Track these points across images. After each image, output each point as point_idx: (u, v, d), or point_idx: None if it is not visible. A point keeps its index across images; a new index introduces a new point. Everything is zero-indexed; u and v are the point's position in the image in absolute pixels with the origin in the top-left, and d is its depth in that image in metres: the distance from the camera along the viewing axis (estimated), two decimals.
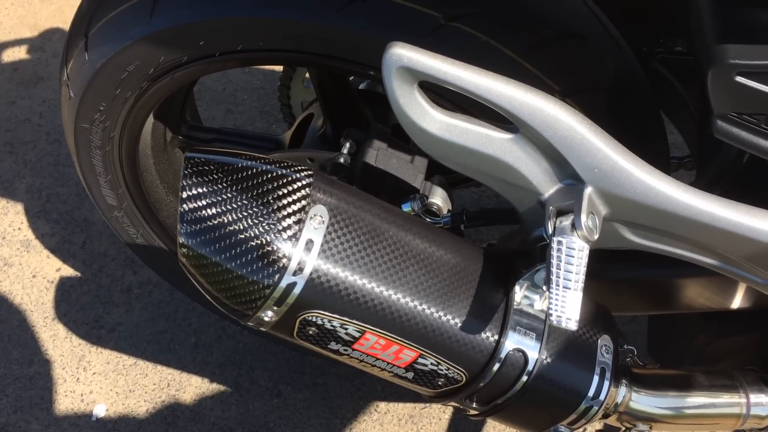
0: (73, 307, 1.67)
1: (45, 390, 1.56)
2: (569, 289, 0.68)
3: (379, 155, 0.97)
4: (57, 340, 1.62)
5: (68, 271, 1.72)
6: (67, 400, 1.55)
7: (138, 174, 1.16)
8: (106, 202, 1.20)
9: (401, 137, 1.01)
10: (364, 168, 0.96)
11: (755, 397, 0.94)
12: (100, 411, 1.53)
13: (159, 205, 1.23)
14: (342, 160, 0.99)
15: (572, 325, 0.67)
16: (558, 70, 0.84)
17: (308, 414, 1.48)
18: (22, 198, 1.83)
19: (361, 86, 1.20)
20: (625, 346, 0.92)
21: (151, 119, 1.11)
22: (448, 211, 0.99)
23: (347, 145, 1.01)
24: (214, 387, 1.54)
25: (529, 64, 0.83)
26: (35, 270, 1.73)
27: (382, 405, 1.47)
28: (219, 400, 1.52)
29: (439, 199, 0.98)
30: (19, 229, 1.79)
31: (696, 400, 0.92)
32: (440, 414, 1.45)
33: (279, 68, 2.00)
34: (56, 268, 1.73)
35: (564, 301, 0.68)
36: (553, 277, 0.69)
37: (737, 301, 0.93)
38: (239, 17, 0.85)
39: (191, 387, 1.54)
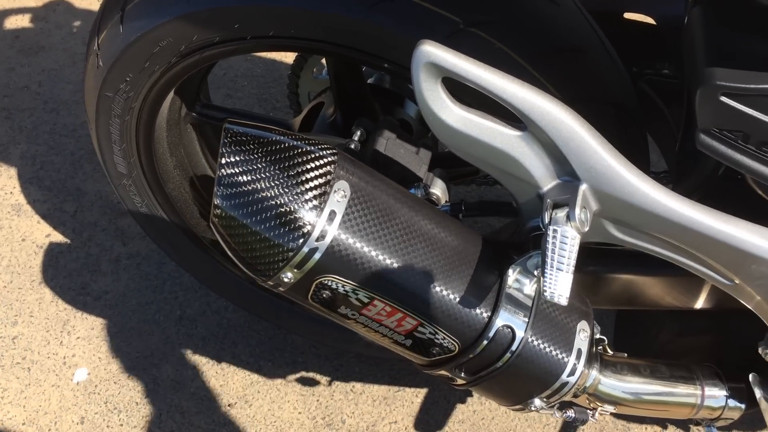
0: (61, 272, 1.71)
1: (27, 351, 1.60)
2: (561, 271, 0.77)
3: (389, 144, 1.05)
4: (43, 304, 1.66)
5: (58, 237, 1.76)
6: (49, 361, 1.59)
7: (151, 145, 1.22)
8: (117, 170, 1.26)
9: (407, 131, 1.09)
10: (373, 155, 1.04)
11: (709, 390, 1.04)
12: (81, 375, 1.57)
13: (166, 177, 1.29)
14: (352, 147, 1.07)
15: (563, 301, 0.76)
16: (561, 80, 0.93)
17: (285, 390, 1.55)
18: (15, 163, 1.87)
19: (370, 80, 1.28)
20: (597, 336, 1.02)
21: (171, 94, 1.17)
22: (446, 201, 1.07)
23: (358, 132, 1.08)
24: (196, 359, 1.59)
25: (536, 72, 0.92)
26: (25, 234, 1.76)
27: (358, 386, 1.55)
28: (200, 371, 1.58)
29: (438, 189, 1.07)
30: (11, 193, 1.82)
31: (657, 388, 1.02)
32: (413, 398, 1.53)
33: (281, 58, 2.07)
34: (46, 234, 1.76)
35: (557, 280, 0.76)
36: (548, 260, 0.78)
37: (700, 302, 1.03)
38: (276, 6, 0.92)
39: (174, 357, 1.59)
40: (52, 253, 1.74)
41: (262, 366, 1.58)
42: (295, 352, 1.60)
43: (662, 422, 1.47)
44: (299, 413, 1.52)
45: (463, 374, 0.91)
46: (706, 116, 0.77)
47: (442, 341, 0.87)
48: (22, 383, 1.55)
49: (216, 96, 1.99)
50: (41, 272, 1.71)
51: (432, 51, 0.77)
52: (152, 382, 1.56)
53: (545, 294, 0.76)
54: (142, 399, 1.54)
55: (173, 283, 1.69)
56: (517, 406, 0.95)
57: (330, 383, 1.56)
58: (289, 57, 2.06)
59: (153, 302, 1.67)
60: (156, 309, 1.66)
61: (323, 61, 1.44)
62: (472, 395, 1.53)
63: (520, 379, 0.91)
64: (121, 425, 1.50)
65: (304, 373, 1.57)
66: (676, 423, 1.47)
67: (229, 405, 1.53)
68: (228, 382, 1.56)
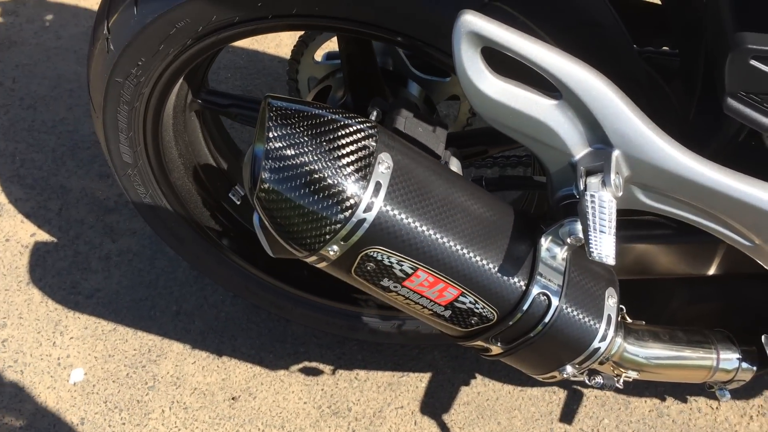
0: (49, 272, 1.66)
1: (19, 353, 1.55)
2: (605, 233, 0.79)
3: (407, 123, 1.05)
4: (32, 305, 1.62)
5: (44, 236, 1.71)
6: (42, 363, 1.54)
7: (158, 133, 1.20)
8: (122, 160, 1.23)
9: None
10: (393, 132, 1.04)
11: (724, 354, 1.08)
12: (78, 375, 1.54)
13: (171, 166, 1.27)
14: None
15: (611, 261, 0.78)
16: (581, 53, 0.96)
17: (289, 380, 1.54)
18: None
19: None
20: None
21: (180, 80, 1.16)
22: None
23: (374, 113, 1.09)
24: (196, 354, 1.57)
25: (558, 46, 0.94)
26: (8, 234, 1.71)
27: (362, 373, 1.55)
28: (200, 366, 1.56)
29: (455, 167, 1.08)
30: None
31: (676, 353, 1.06)
32: (417, 382, 1.54)
33: (263, 49, 2.06)
34: (31, 233, 1.72)
35: (601, 242, 0.79)
36: (590, 224, 0.80)
37: (713, 268, 1.07)
38: None
39: (172, 353, 1.57)
40: (38, 253, 1.69)
41: (264, 358, 1.57)
42: (296, 342, 1.59)
43: (661, 395, 1.51)
44: (305, 403, 1.51)
45: (499, 344, 0.92)
46: (735, 80, 0.80)
47: (481, 310, 0.88)
48: (15, 387, 1.50)
49: None
50: (28, 272, 1.66)
51: (474, 20, 0.78)
52: (152, 379, 1.53)
53: (592, 255, 0.78)
54: (143, 397, 1.51)
55: (167, 279, 1.67)
56: (549, 374, 0.97)
57: (333, 372, 1.55)
58: (272, 48, 2.05)
59: (147, 298, 1.64)
60: (151, 305, 1.63)
61: (321, 47, 1.44)
62: (475, 377, 1.55)
63: (554, 346, 0.93)
64: (123, 424, 1.47)
65: (306, 363, 1.57)
66: (675, 394, 1.51)
67: (232, 398, 1.52)
68: (230, 376, 1.54)
